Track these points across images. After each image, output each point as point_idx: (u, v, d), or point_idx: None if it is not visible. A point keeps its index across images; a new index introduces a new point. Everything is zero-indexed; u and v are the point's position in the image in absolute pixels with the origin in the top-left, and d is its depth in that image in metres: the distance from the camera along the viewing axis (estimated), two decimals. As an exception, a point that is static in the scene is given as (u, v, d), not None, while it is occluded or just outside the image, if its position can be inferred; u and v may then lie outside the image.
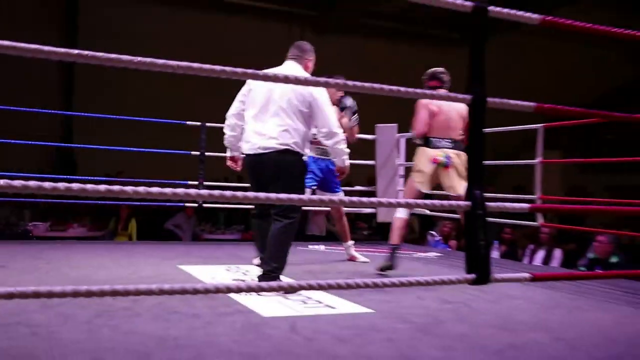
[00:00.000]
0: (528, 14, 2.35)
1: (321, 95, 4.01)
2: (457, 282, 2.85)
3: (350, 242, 5.63)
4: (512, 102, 2.32)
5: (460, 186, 4.52)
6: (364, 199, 2.18)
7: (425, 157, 4.68)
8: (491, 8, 2.21)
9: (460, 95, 2.20)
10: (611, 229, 8.09)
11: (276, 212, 3.89)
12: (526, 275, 2.38)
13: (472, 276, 2.18)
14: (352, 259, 5.55)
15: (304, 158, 4.02)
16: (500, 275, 2.27)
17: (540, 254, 7.81)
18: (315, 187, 5.35)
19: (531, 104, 2.38)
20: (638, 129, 14.31)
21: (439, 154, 4.62)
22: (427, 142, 4.70)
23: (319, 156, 5.33)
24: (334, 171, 4.88)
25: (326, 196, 4.73)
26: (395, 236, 4.80)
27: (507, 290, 4.06)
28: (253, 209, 4.26)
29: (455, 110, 4.71)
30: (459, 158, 4.63)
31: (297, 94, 3.94)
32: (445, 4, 2.16)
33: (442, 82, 4.78)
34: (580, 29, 2.56)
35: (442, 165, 4.60)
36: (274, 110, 3.94)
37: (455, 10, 2.20)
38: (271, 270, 3.81)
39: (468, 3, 2.17)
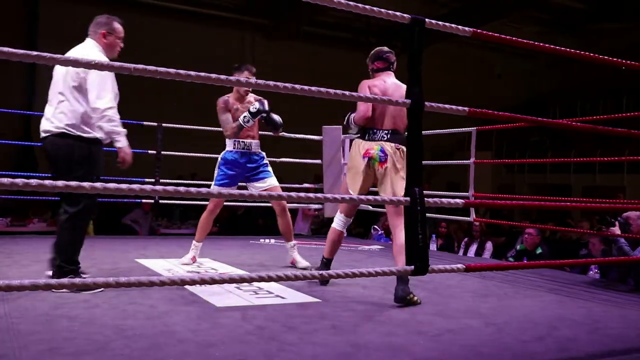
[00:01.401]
0: (461, 27, 2.39)
1: (95, 71, 3.37)
2: (398, 274, 2.89)
3: (293, 243, 4.80)
4: (447, 106, 2.35)
5: (396, 187, 3.66)
6: (303, 194, 2.18)
7: (357, 151, 3.77)
8: (427, 20, 2.24)
9: (401, 100, 2.22)
10: (536, 223, 8.31)
11: (64, 202, 3.43)
12: (460, 266, 2.43)
13: (411, 267, 2.20)
14: (292, 262, 4.77)
15: (95, 140, 3.47)
16: (437, 266, 2.31)
17: (473, 247, 7.96)
18: (229, 184, 4.63)
19: (465, 108, 2.42)
20: (560, 132, 14.75)
21: (373, 147, 3.71)
22: (362, 133, 3.79)
23: (240, 149, 4.61)
24: (259, 160, 4.66)
25: (255, 190, 4.55)
26: (329, 249, 3.99)
27: (443, 280, 4.14)
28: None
29: (402, 97, 4.01)
30: (397, 153, 3.72)
31: (72, 72, 3.42)
32: (386, 15, 2.18)
33: (389, 63, 3.87)
34: (507, 42, 2.62)
35: (376, 161, 3.69)
36: (54, 91, 3.49)
37: (395, 21, 2.22)
38: (60, 265, 3.39)
39: (407, 15, 2.20)
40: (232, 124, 4.54)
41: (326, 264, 3.97)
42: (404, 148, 3.68)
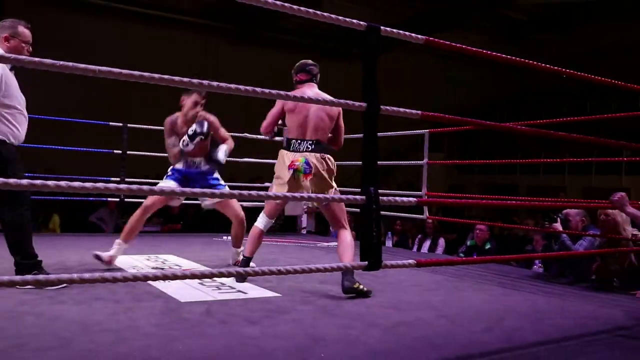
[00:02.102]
0: (414, 35, 2.41)
1: None
2: (352, 269, 2.90)
3: (241, 249, 4.49)
4: (401, 109, 2.37)
5: (329, 193, 3.67)
6: (255, 192, 2.18)
7: (282, 162, 3.70)
8: (383, 28, 2.25)
9: (357, 103, 2.24)
10: (485, 221, 8.45)
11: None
12: (412, 261, 2.45)
13: (365, 263, 2.21)
14: (237, 263, 4.52)
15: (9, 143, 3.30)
16: (390, 262, 2.32)
17: (427, 243, 8.05)
18: (181, 180, 4.38)
19: (417, 111, 2.45)
20: (506, 135, 15.01)
21: (298, 158, 3.62)
22: (287, 144, 3.73)
23: (186, 168, 4.38)
24: (209, 175, 4.38)
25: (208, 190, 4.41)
26: (249, 247, 3.88)
27: (397, 275, 4.17)
28: None
29: (322, 108, 3.70)
30: (323, 163, 3.68)
31: None
32: (344, 23, 2.18)
33: (311, 75, 3.83)
34: (457, 49, 2.66)
35: (301, 173, 3.60)
36: None
37: (352, 28, 2.23)
38: (19, 263, 3.37)
39: (363, 23, 2.21)
40: (175, 150, 4.27)
41: (246, 262, 3.86)
42: (330, 156, 3.73)
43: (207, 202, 4.38)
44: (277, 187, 3.71)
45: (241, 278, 3.70)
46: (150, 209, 4.37)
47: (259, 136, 6.84)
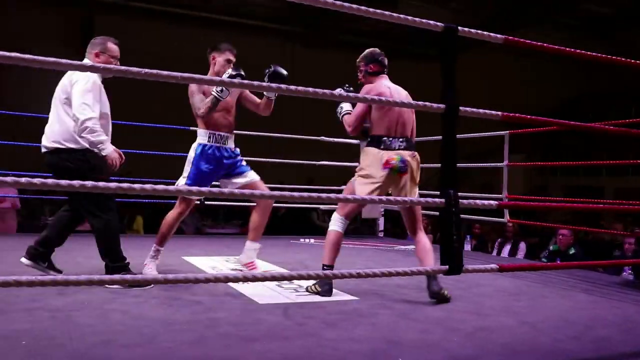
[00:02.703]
0: (493, 34, 2.35)
1: (79, 80, 3.41)
2: (433, 273, 2.86)
3: (258, 245, 4.14)
4: (481, 111, 2.32)
5: (412, 197, 3.50)
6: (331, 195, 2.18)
7: (375, 160, 3.44)
8: (460, 28, 2.21)
9: (435, 105, 2.20)
10: (569, 225, 8.13)
11: (83, 209, 3.57)
12: (494, 266, 2.39)
13: (445, 267, 2.17)
14: (248, 265, 4.08)
15: (96, 151, 3.43)
16: (471, 266, 2.27)
17: (507, 247, 7.84)
18: (202, 183, 3.93)
19: (498, 112, 2.38)
20: (592, 135, 14.41)
21: (393, 157, 3.41)
22: (376, 141, 3.47)
23: (214, 144, 3.93)
24: (233, 155, 3.98)
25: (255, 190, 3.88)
26: (329, 254, 3.52)
27: (478, 280, 4.08)
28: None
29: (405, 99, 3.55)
30: (414, 161, 3.52)
31: (62, 84, 3.52)
32: (420, 24, 2.16)
33: (383, 66, 3.66)
34: (536, 47, 2.57)
35: (396, 172, 3.40)
36: (52, 106, 3.56)
37: (429, 29, 2.20)
38: (107, 265, 3.51)
39: (440, 24, 2.18)
40: (206, 100, 3.76)
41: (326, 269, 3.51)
42: (418, 155, 3.56)
43: (237, 182, 3.99)
44: (365, 187, 3.44)
45: (328, 293, 3.44)
46: (183, 214, 4.10)
47: (335, 139, 6.94)
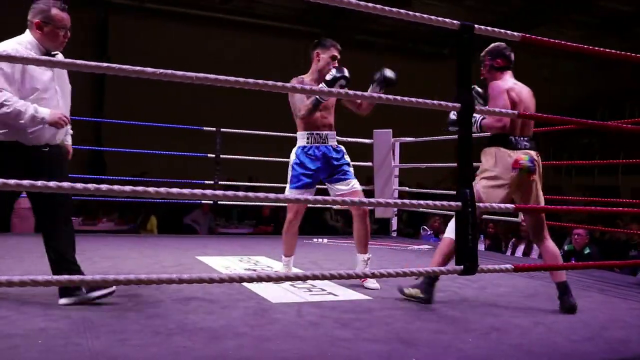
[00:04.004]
0: (510, 32, 2.34)
1: None
2: (448, 273, 2.84)
3: (367, 256, 3.84)
4: (497, 109, 2.31)
5: (540, 198, 3.33)
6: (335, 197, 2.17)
7: (503, 161, 3.20)
8: (477, 26, 2.20)
9: (450, 104, 2.19)
10: (584, 224, 8.06)
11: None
12: (509, 266, 2.37)
13: (460, 267, 2.17)
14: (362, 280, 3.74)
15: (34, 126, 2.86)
16: (486, 266, 2.26)
17: (521, 247, 7.79)
18: (307, 185, 3.77)
19: (514, 111, 2.37)
20: (607, 134, 14.27)
21: (522, 156, 3.18)
22: (503, 140, 3.23)
23: (312, 144, 3.78)
24: (340, 156, 3.81)
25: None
26: (435, 259, 3.29)
27: (492, 279, 4.05)
28: None
29: (533, 101, 3.38)
30: (540, 161, 3.31)
31: None
32: (436, 22, 2.15)
33: (510, 62, 3.41)
34: (554, 45, 2.55)
35: (526, 172, 3.17)
36: None
37: (445, 28, 2.19)
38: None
39: (456, 22, 2.17)
40: (307, 102, 3.63)
41: (432, 282, 3.32)
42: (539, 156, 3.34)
43: (338, 188, 3.74)
44: (493, 190, 3.21)
45: (427, 301, 3.28)
46: (295, 221, 3.89)
47: (348, 138, 6.94)
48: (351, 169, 3.83)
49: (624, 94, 16.54)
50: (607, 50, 2.68)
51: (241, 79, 1.87)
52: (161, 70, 1.77)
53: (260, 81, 1.91)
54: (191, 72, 1.82)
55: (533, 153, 3.24)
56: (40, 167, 2.91)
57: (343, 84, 3.49)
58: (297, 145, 3.84)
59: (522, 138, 3.24)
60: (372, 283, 3.71)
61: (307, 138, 3.78)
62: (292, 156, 3.83)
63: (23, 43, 2.89)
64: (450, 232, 3.31)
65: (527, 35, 2.41)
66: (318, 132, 3.77)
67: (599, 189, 14.28)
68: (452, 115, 3.45)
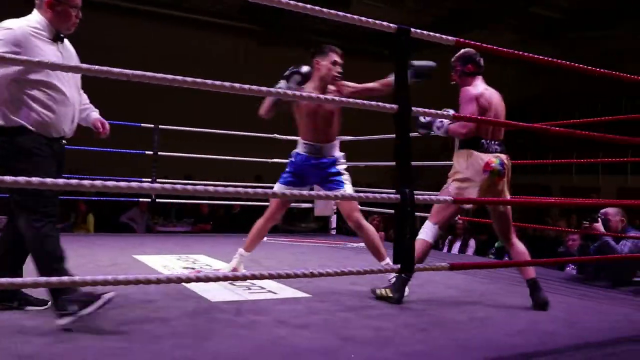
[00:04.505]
0: (445, 36, 2.39)
1: None
2: (386, 272, 2.89)
3: (386, 262, 3.64)
4: (432, 111, 2.36)
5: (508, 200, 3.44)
6: (296, 192, 2.18)
7: (474, 163, 3.28)
8: (413, 30, 2.24)
9: (388, 105, 2.23)
10: (516, 222, 8.33)
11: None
12: (444, 264, 2.43)
13: (397, 266, 2.20)
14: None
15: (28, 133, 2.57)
16: (422, 265, 2.31)
17: (457, 244, 7.97)
18: (296, 183, 3.77)
19: (450, 113, 2.43)
20: (539, 136, 14.79)
21: (492, 159, 3.26)
22: (475, 144, 3.31)
23: (306, 153, 3.74)
24: (329, 165, 3.72)
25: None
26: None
27: (430, 277, 4.14)
28: None
29: (502, 106, 3.45)
30: (509, 164, 3.41)
31: None
32: (374, 25, 2.18)
33: (480, 68, 3.46)
34: (487, 50, 2.63)
35: (496, 174, 3.26)
36: None
37: (382, 30, 2.22)
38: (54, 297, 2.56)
39: (393, 25, 2.20)
40: (267, 102, 3.63)
41: (404, 282, 3.38)
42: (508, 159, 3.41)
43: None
44: (464, 191, 3.29)
45: (398, 301, 3.31)
46: (272, 219, 3.90)
47: (288, 137, 6.95)
48: (342, 178, 3.72)
49: (554, 97, 17.19)
50: (532, 55, 2.76)
51: (179, 77, 1.84)
52: (96, 67, 1.73)
53: (199, 80, 1.89)
54: (128, 70, 1.78)
55: (503, 156, 3.33)
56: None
57: (298, 79, 3.50)
58: (296, 149, 3.81)
59: (493, 142, 3.33)
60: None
61: (302, 147, 3.74)
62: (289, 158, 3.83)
63: (32, 23, 2.64)
64: (422, 233, 3.42)
65: (461, 39, 2.47)
66: (313, 143, 3.71)
67: (531, 187, 14.79)
68: (422, 118, 3.55)
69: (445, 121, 3.37)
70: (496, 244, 7.08)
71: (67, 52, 2.80)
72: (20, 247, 2.73)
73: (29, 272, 2.62)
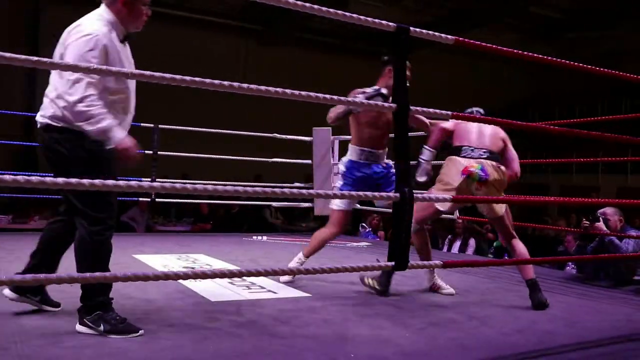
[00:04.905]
0: (444, 35, 2.39)
1: (72, 46, 2.43)
2: (380, 269, 2.89)
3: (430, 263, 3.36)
4: (431, 110, 2.36)
5: (500, 207, 3.48)
6: (299, 190, 2.18)
7: (453, 167, 3.42)
8: (412, 29, 2.23)
9: (387, 104, 2.23)
10: (516, 221, 8.32)
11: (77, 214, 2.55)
12: (438, 262, 2.44)
13: (391, 263, 2.20)
14: (434, 288, 3.72)
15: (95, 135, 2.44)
16: (416, 262, 2.31)
17: (457, 244, 7.97)
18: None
19: (448, 112, 2.43)
20: (538, 135, 14.81)
21: (473, 164, 3.35)
22: (458, 150, 3.48)
23: (363, 160, 3.77)
24: (386, 175, 3.77)
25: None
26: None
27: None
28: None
29: (490, 128, 3.58)
30: (499, 173, 3.43)
31: (60, 46, 2.53)
32: (373, 24, 2.17)
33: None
34: (486, 49, 2.62)
35: (475, 180, 3.32)
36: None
37: (382, 29, 2.22)
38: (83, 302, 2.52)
39: (392, 24, 2.20)
40: (339, 109, 3.67)
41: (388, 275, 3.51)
42: (503, 168, 3.48)
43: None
44: (441, 193, 3.36)
45: (384, 293, 3.51)
46: (335, 234, 3.96)
47: (288, 136, 6.96)
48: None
49: (553, 96, 17.19)
50: (531, 54, 2.76)
51: (177, 76, 1.84)
52: (96, 66, 1.73)
53: (197, 79, 1.89)
54: (127, 69, 1.78)
55: (488, 163, 3.38)
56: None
57: (380, 100, 3.54)
58: (348, 157, 3.84)
59: (478, 149, 3.44)
60: (446, 288, 3.71)
61: (360, 154, 3.77)
62: (341, 167, 3.86)
63: (107, 25, 2.52)
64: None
65: (460, 38, 2.47)
66: (373, 150, 3.77)
67: (530, 187, 14.79)
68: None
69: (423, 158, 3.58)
70: (495, 243, 7.08)
71: (129, 53, 2.72)
72: (57, 247, 2.75)
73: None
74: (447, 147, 3.61)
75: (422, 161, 3.58)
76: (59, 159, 2.53)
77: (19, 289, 2.68)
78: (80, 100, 2.39)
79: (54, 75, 2.51)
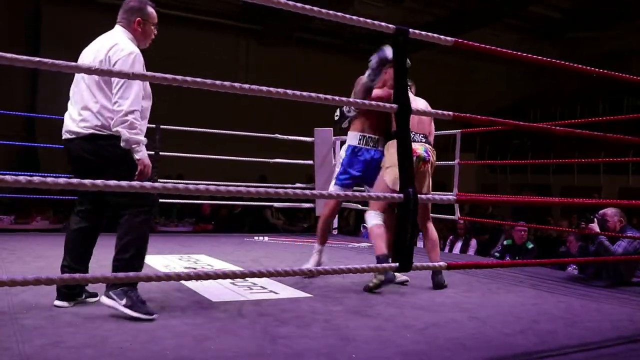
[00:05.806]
0: (443, 37, 2.38)
1: (123, 59, 2.75)
2: (383, 270, 2.89)
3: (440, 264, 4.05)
4: (433, 111, 2.36)
5: (430, 186, 3.82)
6: (300, 191, 2.18)
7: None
8: (411, 30, 2.23)
9: (388, 105, 2.23)
10: (519, 221, 8.33)
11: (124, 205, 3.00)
12: (442, 264, 2.44)
13: (395, 264, 2.20)
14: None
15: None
16: (420, 264, 2.31)
17: (458, 244, 7.98)
18: (351, 184, 3.98)
19: (449, 112, 2.43)
20: (540, 135, 14.81)
21: (418, 147, 3.65)
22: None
23: (363, 145, 3.90)
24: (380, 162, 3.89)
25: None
26: (378, 246, 3.71)
27: (429, 276, 4.13)
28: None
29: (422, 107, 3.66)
30: (433, 155, 3.82)
31: (94, 57, 2.83)
32: (372, 25, 2.17)
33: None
34: (486, 51, 2.62)
35: (422, 160, 3.67)
36: (79, 89, 2.87)
37: (381, 31, 2.22)
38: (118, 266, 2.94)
39: (391, 25, 2.20)
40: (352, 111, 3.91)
41: (384, 261, 3.63)
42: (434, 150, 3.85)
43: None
44: (392, 176, 3.63)
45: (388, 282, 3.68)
46: (330, 217, 4.19)
47: (289, 137, 6.96)
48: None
49: (554, 97, 17.18)
50: (532, 55, 2.76)
51: (179, 77, 1.84)
52: (96, 67, 1.73)
53: (199, 79, 1.90)
54: (121, 69, 1.78)
55: (428, 147, 3.79)
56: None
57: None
58: (348, 142, 3.99)
59: (417, 134, 3.76)
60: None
61: (359, 138, 3.93)
62: (343, 153, 4.04)
63: (133, 42, 2.92)
64: (372, 219, 3.80)
65: (459, 40, 2.47)
66: (371, 135, 3.92)
67: (532, 188, 14.78)
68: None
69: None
70: (504, 242, 7.08)
71: None
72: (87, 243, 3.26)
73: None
74: (391, 134, 3.81)
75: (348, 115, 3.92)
76: (107, 163, 2.84)
77: (68, 296, 2.93)
78: (132, 112, 2.73)
79: (93, 86, 2.79)
